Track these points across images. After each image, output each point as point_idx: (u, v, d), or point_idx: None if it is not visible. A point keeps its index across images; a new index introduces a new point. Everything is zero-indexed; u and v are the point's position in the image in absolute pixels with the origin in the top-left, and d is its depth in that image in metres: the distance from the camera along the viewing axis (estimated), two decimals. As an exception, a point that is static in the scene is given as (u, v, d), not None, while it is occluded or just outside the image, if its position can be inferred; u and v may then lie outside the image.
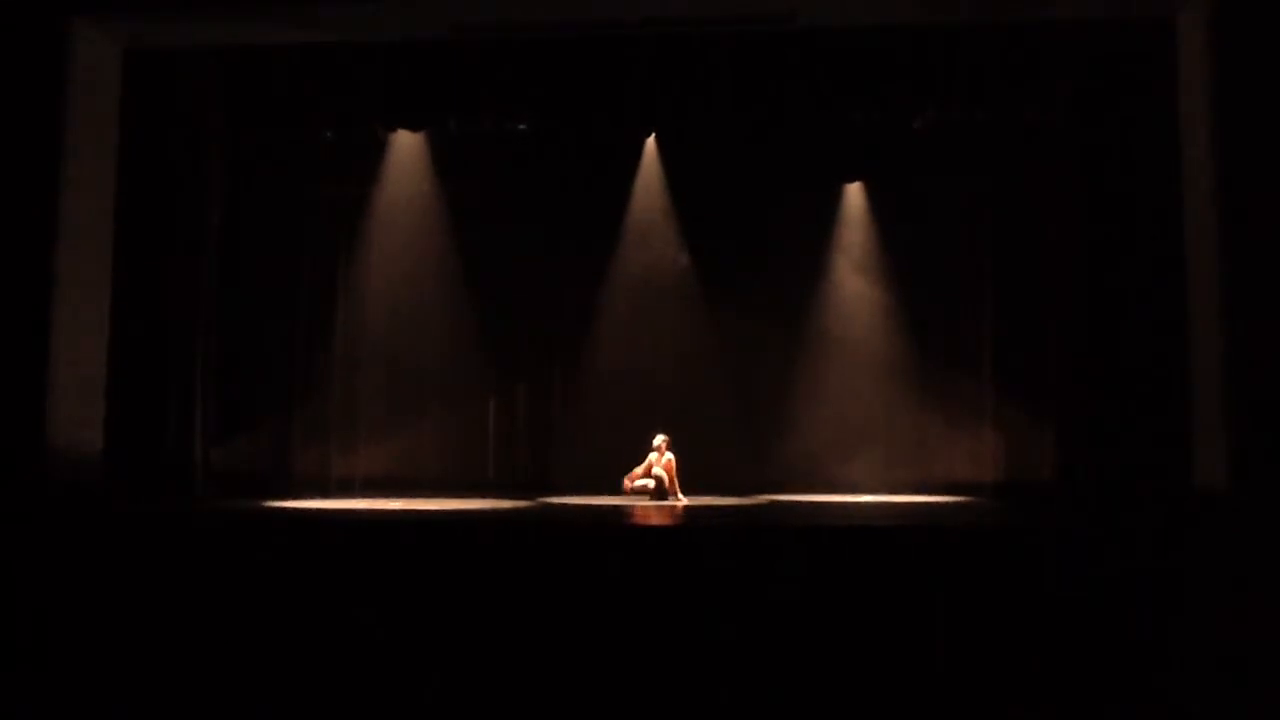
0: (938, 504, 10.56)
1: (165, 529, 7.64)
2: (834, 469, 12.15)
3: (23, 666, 6.42)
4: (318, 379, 12.15)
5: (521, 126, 11.32)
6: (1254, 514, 7.52)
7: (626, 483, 10.72)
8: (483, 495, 10.97)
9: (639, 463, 10.78)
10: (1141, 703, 5.96)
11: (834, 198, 12.67)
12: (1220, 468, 8.24)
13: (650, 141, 12.51)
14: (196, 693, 6.31)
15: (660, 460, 10.71)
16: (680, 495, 10.56)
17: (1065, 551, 6.70)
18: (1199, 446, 8.74)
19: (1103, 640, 6.16)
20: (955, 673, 6.19)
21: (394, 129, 11.92)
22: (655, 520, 8.44)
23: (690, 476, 10.90)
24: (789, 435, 12.38)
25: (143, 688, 6.33)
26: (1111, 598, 6.31)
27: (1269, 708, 5.77)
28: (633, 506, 9.99)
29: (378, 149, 12.28)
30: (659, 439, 10.78)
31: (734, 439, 12.25)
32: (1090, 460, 9.95)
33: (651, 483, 10.62)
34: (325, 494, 11.29)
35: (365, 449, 12.23)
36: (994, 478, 11.63)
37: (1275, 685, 5.80)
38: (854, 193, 12.68)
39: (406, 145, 12.30)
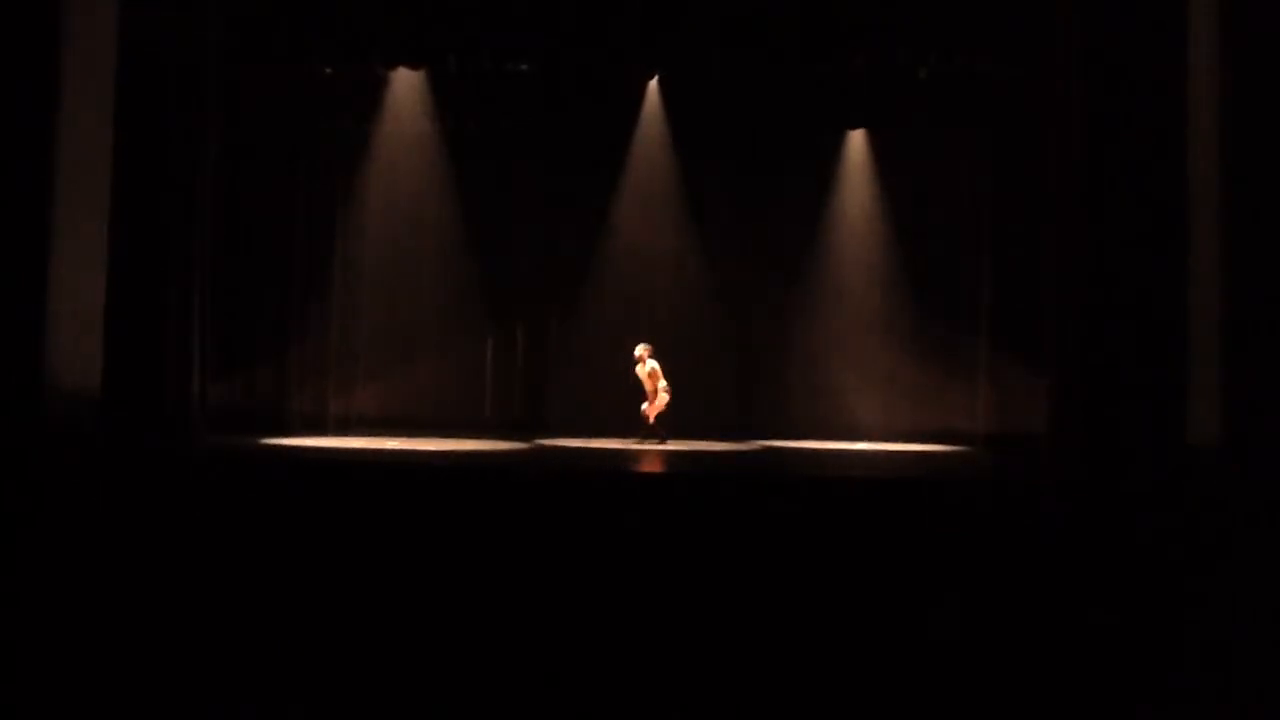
0: (931, 453, 10.61)
1: (162, 466, 7.68)
2: (830, 416, 12.21)
3: (17, 609, 6.47)
4: (316, 317, 12.13)
5: (523, 66, 11.21)
6: (1248, 469, 7.56)
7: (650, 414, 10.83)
8: (479, 436, 11.02)
9: (635, 404, 10.84)
10: (1128, 661, 6.03)
11: (836, 145, 12.60)
12: (1215, 423, 8.27)
13: (653, 84, 12.38)
14: (191, 633, 6.37)
15: (644, 370, 10.79)
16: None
17: (1058, 505, 6.75)
18: (1195, 402, 8.75)
19: (1092, 596, 6.22)
20: (947, 629, 6.25)
21: (394, 66, 11.80)
22: (649, 465, 8.49)
23: (688, 421, 10.94)
24: (786, 382, 12.42)
25: (136, 629, 6.38)
26: (1103, 552, 6.36)
27: (1263, 672, 5.83)
28: (627, 449, 10.06)
29: (377, 86, 12.15)
30: (640, 349, 10.84)
31: (731, 385, 12.28)
32: (1083, 413, 9.96)
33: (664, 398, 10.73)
34: (323, 432, 11.33)
35: (363, 388, 12.25)
36: (988, 429, 11.67)
37: (1268, 646, 5.86)
38: (856, 140, 12.60)
39: (406, 83, 12.17)
